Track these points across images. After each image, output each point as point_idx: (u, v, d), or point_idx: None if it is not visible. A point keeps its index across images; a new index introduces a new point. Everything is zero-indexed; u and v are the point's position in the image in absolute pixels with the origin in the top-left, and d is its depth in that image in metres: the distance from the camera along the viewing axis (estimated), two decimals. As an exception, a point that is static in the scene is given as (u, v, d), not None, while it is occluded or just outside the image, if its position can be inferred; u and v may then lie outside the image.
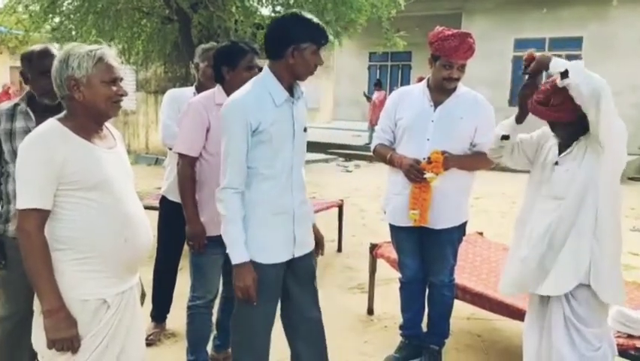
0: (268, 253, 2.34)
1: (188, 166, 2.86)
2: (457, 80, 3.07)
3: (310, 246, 2.53)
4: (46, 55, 2.42)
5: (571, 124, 2.37)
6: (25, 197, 1.82)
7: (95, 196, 1.87)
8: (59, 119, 1.92)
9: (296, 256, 2.42)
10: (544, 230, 2.43)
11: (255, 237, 2.30)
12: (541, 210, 2.48)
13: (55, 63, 1.90)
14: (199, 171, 2.86)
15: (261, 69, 2.99)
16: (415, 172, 3.00)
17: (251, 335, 2.42)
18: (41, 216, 1.83)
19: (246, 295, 2.27)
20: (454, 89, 3.12)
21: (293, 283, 2.48)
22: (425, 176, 2.98)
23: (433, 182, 2.99)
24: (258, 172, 2.29)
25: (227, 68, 2.88)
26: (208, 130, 2.81)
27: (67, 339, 1.82)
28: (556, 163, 2.45)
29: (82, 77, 1.87)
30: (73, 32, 10.08)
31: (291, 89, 2.35)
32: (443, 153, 3.00)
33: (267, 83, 2.30)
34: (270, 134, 2.25)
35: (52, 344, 1.82)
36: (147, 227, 2.08)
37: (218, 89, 2.90)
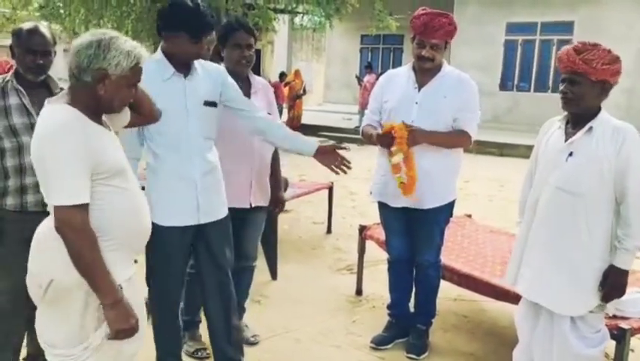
0: (169, 216, 2.55)
1: None
2: (431, 60, 3.01)
3: (221, 215, 2.69)
4: (34, 33, 2.42)
5: (595, 86, 2.36)
6: (66, 193, 1.72)
7: (118, 183, 1.85)
8: (72, 104, 1.81)
9: (202, 222, 2.61)
10: (556, 229, 2.44)
11: (158, 201, 2.52)
12: (554, 202, 2.45)
13: (91, 50, 1.77)
14: None
15: (250, 46, 2.98)
16: (385, 140, 2.99)
17: (162, 293, 2.70)
18: (85, 209, 1.75)
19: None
20: (439, 70, 3.10)
21: (203, 248, 2.68)
22: (391, 152, 2.96)
23: (395, 157, 2.95)
24: (154, 140, 2.53)
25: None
26: None
27: (133, 327, 1.84)
28: (571, 154, 2.40)
29: (113, 75, 1.79)
30: (62, 10, 9.93)
31: (188, 67, 2.54)
32: (409, 127, 2.95)
33: (158, 61, 2.52)
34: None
35: (115, 334, 1.82)
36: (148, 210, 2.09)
37: None
